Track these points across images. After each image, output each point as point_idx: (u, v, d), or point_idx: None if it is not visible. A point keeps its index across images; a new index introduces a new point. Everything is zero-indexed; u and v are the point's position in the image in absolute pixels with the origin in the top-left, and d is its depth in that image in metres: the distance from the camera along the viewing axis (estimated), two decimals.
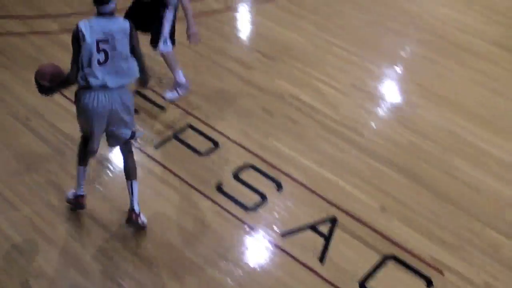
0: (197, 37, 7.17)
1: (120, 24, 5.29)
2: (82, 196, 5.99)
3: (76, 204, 6.03)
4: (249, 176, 6.47)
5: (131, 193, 5.79)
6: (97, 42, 5.20)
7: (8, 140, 6.76)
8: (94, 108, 5.36)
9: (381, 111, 7.38)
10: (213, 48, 8.18)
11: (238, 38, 8.60)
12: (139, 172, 5.90)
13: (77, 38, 5.22)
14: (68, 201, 6.10)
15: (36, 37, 8.40)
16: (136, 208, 5.76)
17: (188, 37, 7.13)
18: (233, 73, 7.77)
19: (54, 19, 8.60)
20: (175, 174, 6.45)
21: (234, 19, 8.94)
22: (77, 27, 5.21)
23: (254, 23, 8.84)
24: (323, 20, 8.64)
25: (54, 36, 8.38)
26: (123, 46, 5.29)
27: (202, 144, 6.83)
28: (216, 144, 6.83)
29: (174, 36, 7.28)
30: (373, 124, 7.16)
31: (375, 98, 7.52)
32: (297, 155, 6.71)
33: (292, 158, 6.66)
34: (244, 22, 8.99)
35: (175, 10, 7.22)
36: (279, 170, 6.52)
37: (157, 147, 6.79)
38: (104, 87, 5.30)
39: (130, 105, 5.57)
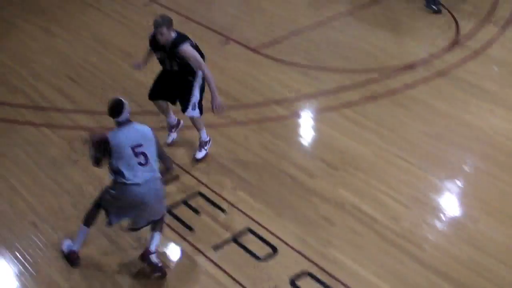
0: (222, 107, 7.47)
1: (144, 131, 6.29)
2: (76, 252, 6.55)
3: (70, 260, 6.57)
4: (306, 284, 6.42)
5: (152, 237, 6.41)
6: (132, 148, 6.11)
7: None
8: (135, 200, 6.18)
9: (442, 225, 7.29)
10: (276, 153, 8.28)
11: (301, 145, 8.70)
12: (197, 274, 5.92)
13: (105, 147, 6.15)
14: (64, 253, 6.63)
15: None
16: (152, 247, 6.35)
17: (213, 107, 7.44)
18: (295, 180, 7.82)
19: None
20: (232, 278, 6.45)
21: (298, 126, 9.06)
22: (107, 138, 6.15)
23: (318, 130, 8.94)
24: (388, 131, 8.69)
25: None
26: (151, 148, 6.22)
27: (260, 248, 6.83)
28: (274, 249, 6.82)
29: (201, 103, 7.78)
30: (433, 238, 7.06)
31: (437, 211, 7.44)
32: (355, 265, 6.64)
33: (351, 269, 6.60)
34: (308, 129, 9.10)
35: (203, 79, 7.56)
36: (337, 279, 6.46)
37: (215, 249, 6.82)
38: (144, 183, 6.14)
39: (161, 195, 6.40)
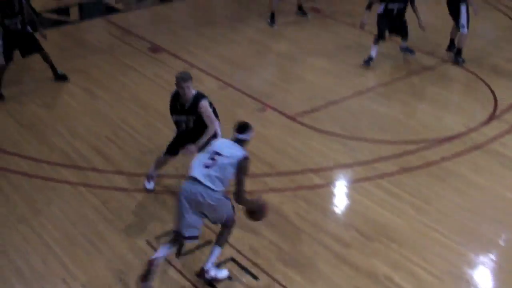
0: (189, 152, 7.79)
1: (236, 152, 6.70)
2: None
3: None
4: None
5: (210, 252, 7.00)
6: (214, 151, 6.71)
7: None
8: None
9: None
10: (310, 221, 8.24)
11: (336, 214, 8.65)
12: None
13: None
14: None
15: (140, 194, 8.71)
16: (207, 265, 6.91)
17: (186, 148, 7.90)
18: (328, 249, 7.76)
19: (159, 179, 8.92)
20: None
21: (333, 195, 9.03)
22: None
23: (353, 200, 8.89)
24: (423, 203, 8.62)
25: (158, 195, 8.67)
26: (228, 167, 6.61)
27: None
28: None
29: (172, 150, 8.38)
30: None
31: (470, 285, 7.31)
32: None
33: None
34: (343, 199, 9.06)
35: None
36: None
37: None
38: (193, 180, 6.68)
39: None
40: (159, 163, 8.72)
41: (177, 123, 8.26)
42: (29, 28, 11.31)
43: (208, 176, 6.60)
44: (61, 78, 11.81)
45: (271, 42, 13.93)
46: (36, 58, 11.67)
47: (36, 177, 9.07)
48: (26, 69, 11.96)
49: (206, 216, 6.80)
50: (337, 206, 8.84)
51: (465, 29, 12.45)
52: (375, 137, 10.23)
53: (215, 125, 8.01)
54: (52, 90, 11.61)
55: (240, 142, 6.84)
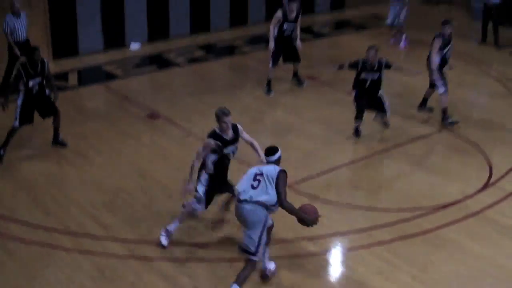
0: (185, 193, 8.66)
1: (271, 169, 7.91)
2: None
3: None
4: None
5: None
6: (255, 175, 7.89)
7: None
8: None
9: None
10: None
11: (332, 283, 8.62)
12: None
13: None
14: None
15: (136, 262, 8.68)
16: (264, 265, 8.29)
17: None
18: None
19: (156, 247, 8.90)
20: None
21: (329, 264, 9.00)
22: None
23: (349, 268, 8.82)
24: (419, 271, 8.58)
25: (154, 263, 8.64)
26: (268, 185, 7.80)
27: None
28: None
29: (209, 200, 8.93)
30: None
31: None
32: None
33: None
34: (339, 267, 9.00)
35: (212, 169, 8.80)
36: None
37: None
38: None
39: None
40: (186, 217, 9.07)
41: (223, 156, 8.83)
42: (48, 90, 11.55)
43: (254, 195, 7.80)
44: (60, 144, 11.89)
45: (267, 109, 14.08)
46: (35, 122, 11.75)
47: (31, 243, 9.04)
48: (25, 132, 12.01)
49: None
50: (332, 275, 8.81)
51: (442, 89, 12.62)
52: (371, 204, 10.25)
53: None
54: (50, 155, 11.65)
55: (272, 163, 8.07)
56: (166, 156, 11.70)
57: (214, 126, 8.66)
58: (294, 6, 14.11)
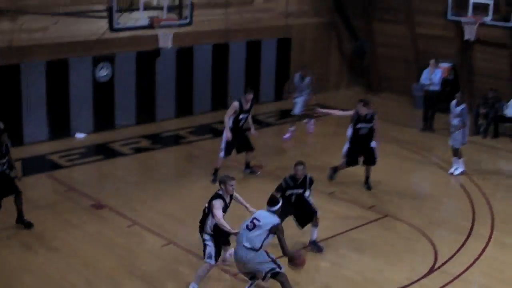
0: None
1: (271, 219, 9.19)
2: None
3: None
4: None
5: None
6: (252, 219, 9.23)
7: None
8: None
9: None
10: None
11: None
12: None
13: None
14: None
15: None
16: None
17: None
18: None
19: None
20: None
21: None
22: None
23: None
24: None
25: None
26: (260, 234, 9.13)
27: None
28: None
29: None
30: None
31: None
32: None
33: None
34: None
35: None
36: None
37: None
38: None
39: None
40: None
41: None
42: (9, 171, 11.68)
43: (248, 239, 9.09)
44: (26, 225, 12.00)
45: None
46: None
47: None
48: None
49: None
50: None
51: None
52: None
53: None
54: None
55: (273, 212, 9.30)
56: (111, 246, 11.52)
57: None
58: (250, 97, 14.38)
